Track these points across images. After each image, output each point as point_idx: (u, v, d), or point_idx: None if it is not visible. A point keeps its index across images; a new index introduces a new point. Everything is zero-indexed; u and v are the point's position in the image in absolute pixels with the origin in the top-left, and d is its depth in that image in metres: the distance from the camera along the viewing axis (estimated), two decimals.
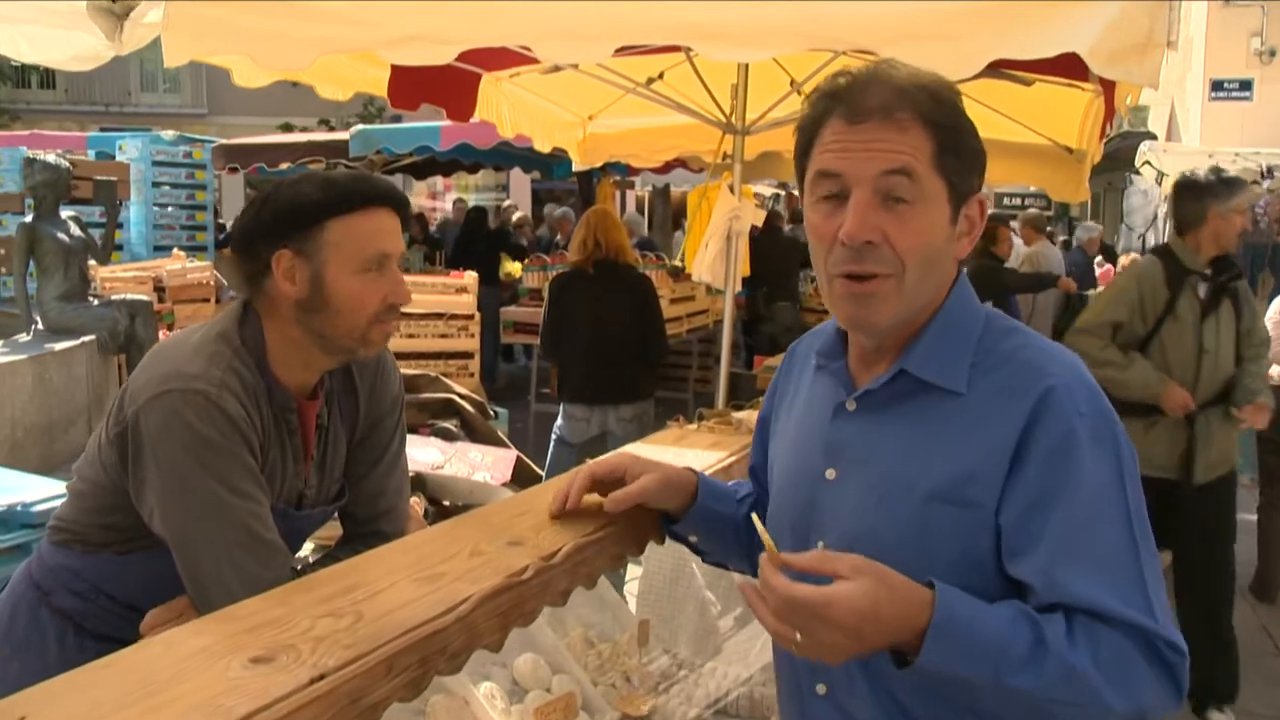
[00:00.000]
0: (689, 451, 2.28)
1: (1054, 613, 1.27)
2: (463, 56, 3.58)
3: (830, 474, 1.46)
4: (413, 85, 4.71)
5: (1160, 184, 13.17)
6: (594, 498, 1.70)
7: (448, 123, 8.88)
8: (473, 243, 12.24)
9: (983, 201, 1.45)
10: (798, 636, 1.20)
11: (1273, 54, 16.95)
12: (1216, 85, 17.29)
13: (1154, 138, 16.14)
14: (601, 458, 1.78)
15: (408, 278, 1.92)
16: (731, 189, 4.94)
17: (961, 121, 1.41)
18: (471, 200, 20.10)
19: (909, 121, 1.36)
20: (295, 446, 1.94)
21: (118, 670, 1.09)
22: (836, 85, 1.41)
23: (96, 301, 7.16)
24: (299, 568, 1.99)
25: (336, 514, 2.15)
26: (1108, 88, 3.99)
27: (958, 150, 1.39)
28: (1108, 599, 1.25)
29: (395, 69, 4.48)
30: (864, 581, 1.20)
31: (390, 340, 2.02)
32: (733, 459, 2.25)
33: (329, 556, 2.08)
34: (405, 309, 1.97)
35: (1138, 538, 1.30)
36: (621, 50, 3.29)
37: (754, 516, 1.36)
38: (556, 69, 5.15)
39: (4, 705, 0.99)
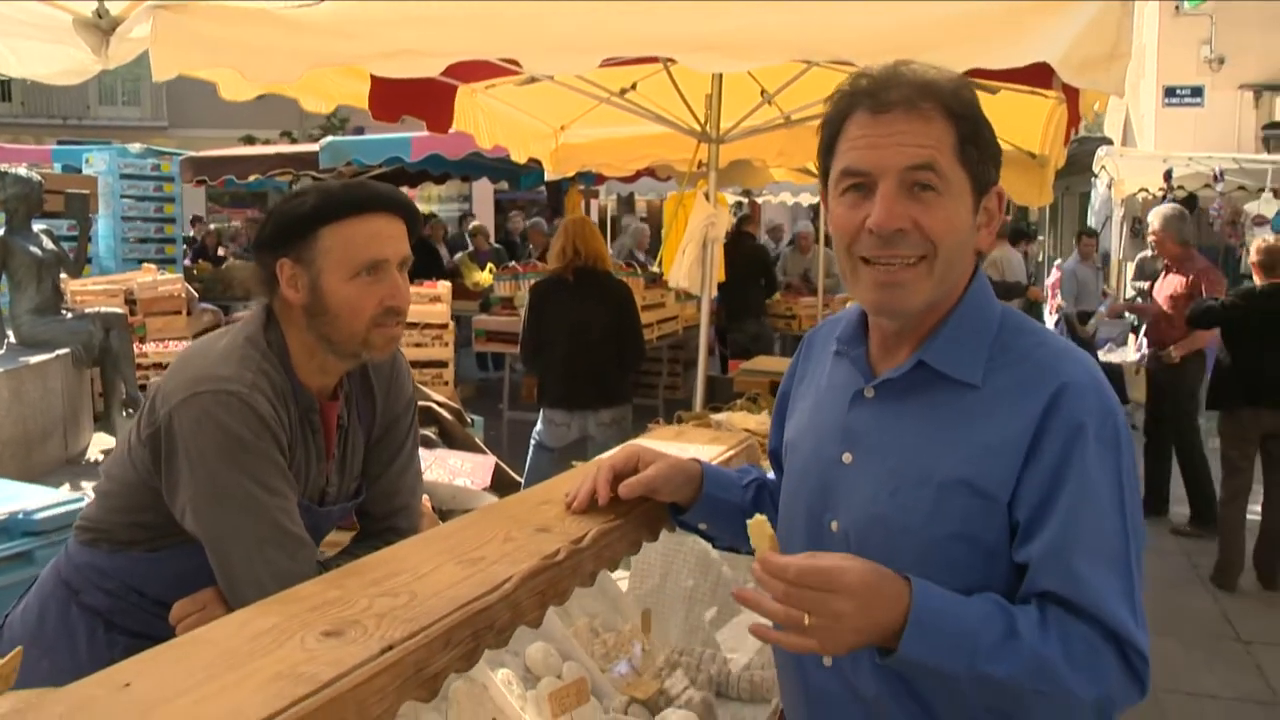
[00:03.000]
0: (690, 446, 2.37)
1: (1036, 601, 1.35)
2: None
3: (847, 458, 1.52)
4: (393, 97, 4.77)
5: (1111, 189, 13.44)
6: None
7: (418, 134, 8.94)
8: None
9: (1001, 193, 1.50)
10: (807, 619, 1.24)
11: (1221, 62, 17.33)
12: (1169, 92, 17.65)
13: (1110, 142, 16.45)
14: (613, 451, 1.86)
15: None
16: (707, 197, 5.05)
17: (980, 115, 1.46)
18: (436, 211, 20.08)
19: (932, 112, 1.40)
20: (318, 445, 2.02)
21: (199, 645, 1.16)
22: (858, 84, 1.46)
23: (70, 315, 7.15)
24: (322, 560, 2.07)
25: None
26: (1071, 95, 4.14)
27: (978, 141, 1.44)
28: (1094, 594, 1.33)
29: (375, 81, 4.54)
30: (860, 560, 1.29)
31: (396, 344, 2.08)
32: (732, 453, 2.34)
33: (346, 553, 2.16)
34: None
35: (1130, 536, 1.38)
36: (604, 62, 3.38)
37: (751, 523, 1.41)
38: (532, 80, 5.23)
39: (108, 674, 1.07)
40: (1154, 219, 7.45)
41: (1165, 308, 7.23)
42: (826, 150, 1.50)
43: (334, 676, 1.08)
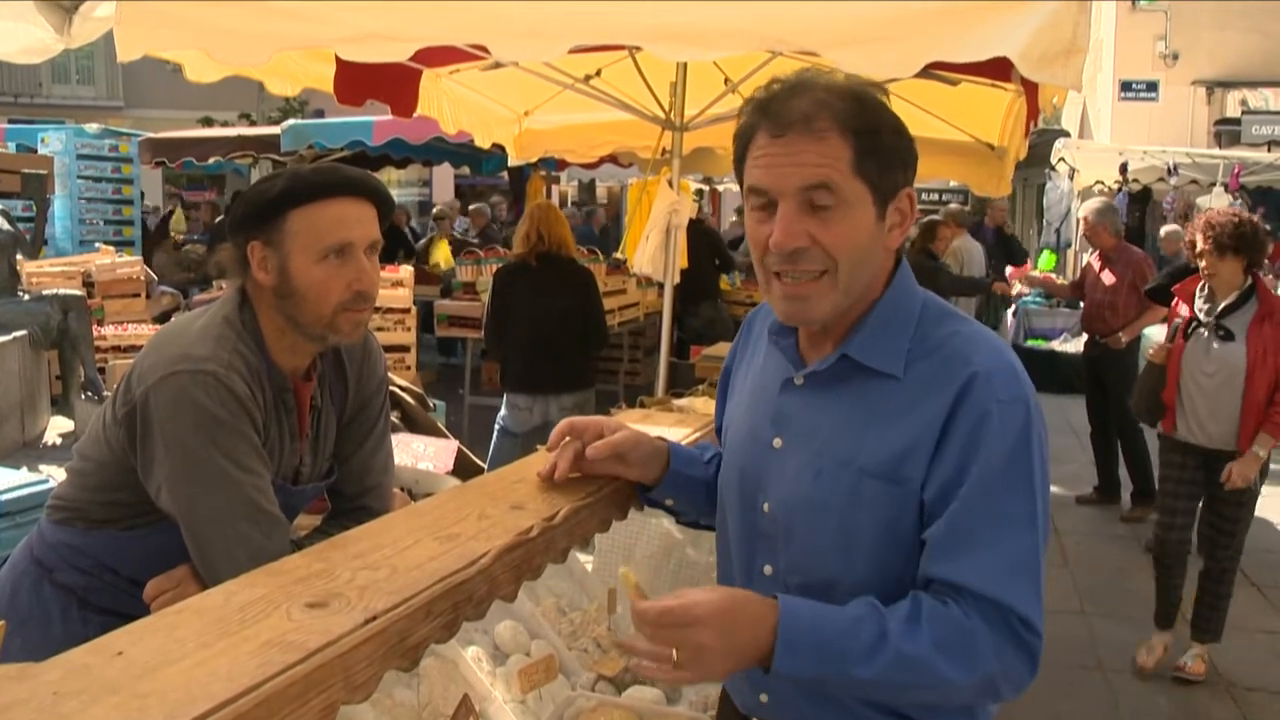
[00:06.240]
0: (655, 429, 2.41)
1: (924, 586, 1.42)
2: None
3: (777, 442, 1.60)
4: (358, 81, 4.77)
5: (1073, 180, 13.65)
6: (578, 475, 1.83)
7: (381, 117, 8.90)
8: None
9: (911, 195, 1.55)
10: (674, 654, 1.33)
11: (1176, 57, 17.62)
12: (1125, 86, 17.93)
13: (1067, 135, 16.68)
14: (578, 418, 1.88)
15: None
16: (670, 184, 5.09)
17: (881, 123, 1.50)
18: (396, 195, 19.96)
19: (827, 130, 1.45)
20: (292, 425, 2.05)
21: (188, 615, 1.20)
22: (764, 95, 1.53)
23: (27, 296, 7.06)
24: (295, 539, 2.10)
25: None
26: (1030, 89, 4.22)
27: (877, 152, 1.48)
28: (980, 574, 1.39)
29: (341, 65, 4.54)
30: (716, 590, 1.39)
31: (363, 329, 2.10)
32: (696, 435, 2.39)
33: (320, 532, 2.19)
34: None
35: (1030, 518, 1.42)
36: (570, 48, 3.41)
37: (620, 575, 1.52)
38: (497, 66, 5.24)
39: (98, 644, 1.10)
40: (1087, 212, 7.61)
41: (1104, 297, 7.44)
42: (739, 162, 1.57)
43: (321, 645, 1.11)
